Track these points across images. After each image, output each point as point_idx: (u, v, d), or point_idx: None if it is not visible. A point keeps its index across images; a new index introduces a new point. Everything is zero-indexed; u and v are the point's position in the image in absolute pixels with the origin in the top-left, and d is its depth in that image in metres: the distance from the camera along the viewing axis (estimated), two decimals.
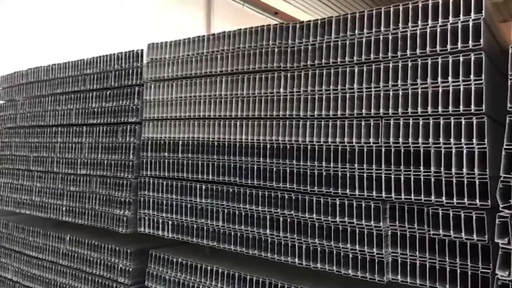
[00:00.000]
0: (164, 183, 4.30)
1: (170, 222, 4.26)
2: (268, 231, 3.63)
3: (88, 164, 4.96)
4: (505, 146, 2.57)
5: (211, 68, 4.06)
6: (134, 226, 4.52)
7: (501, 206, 2.58)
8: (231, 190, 3.85)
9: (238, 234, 3.82)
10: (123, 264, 4.57)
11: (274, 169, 3.59)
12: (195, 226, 4.09)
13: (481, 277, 2.80)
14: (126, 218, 4.52)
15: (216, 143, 3.95)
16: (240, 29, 3.89)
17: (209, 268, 4.01)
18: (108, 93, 4.87)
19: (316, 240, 3.38)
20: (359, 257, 3.20)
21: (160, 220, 4.32)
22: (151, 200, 4.39)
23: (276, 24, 3.68)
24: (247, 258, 3.87)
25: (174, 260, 4.26)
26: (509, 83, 2.58)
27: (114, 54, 4.86)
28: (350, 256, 3.24)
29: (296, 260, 3.48)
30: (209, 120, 4.02)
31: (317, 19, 3.47)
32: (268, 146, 3.64)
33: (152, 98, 4.47)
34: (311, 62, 3.46)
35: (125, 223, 4.53)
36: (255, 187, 3.71)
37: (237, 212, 3.81)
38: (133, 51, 4.69)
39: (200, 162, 4.05)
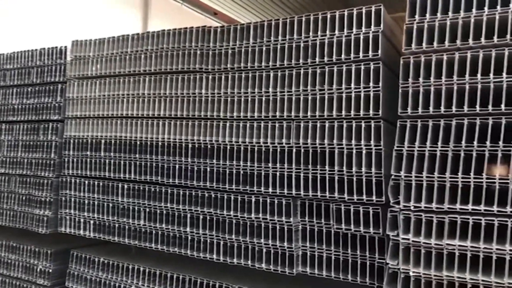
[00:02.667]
0: (86, 182, 4.25)
1: (92, 222, 4.21)
2: (188, 229, 3.72)
3: (7, 162, 4.77)
4: (395, 147, 2.85)
5: (135, 67, 4.07)
6: (55, 226, 4.42)
7: (391, 201, 2.85)
8: (153, 189, 3.90)
9: (159, 232, 3.87)
10: (43, 265, 4.46)
11: (195, 168, 3.69)
12: (117, 225, 4.08)
13: (377, 267, 3.07)
14: (46, 218, 4.41)
15: (138, 142, 3.98)
16: (164, 30, 3.95)
17: (130, 266, 4.03)
18: (29, 89, 4.73)
19: (233, 236, 3.52)
20: (272, 251, 3.38)
21: (82, 220, 4.27)
22: (72, 199, 4.32)
23: (199, 27, 3.78)
24: (171, 256, 3.94)
25: (96, 259, 4.23)
26: (400, 91, 2.87)
27: (36, 49, 4.72)
28: (264, 250, 3.41)
29: (214, 256, 3.60)
30: (132, 119, 4.04)
31: (237, 24, 3.61)
32: (190, 145, 3.73)
33: (75, 96, 4.40)
34: (231, 65, 3.59)
35: (46, 223, 4.42)
36: (176, 186, 3.78)
37: (158, 211, 3.86)
38: (56, 47, 4.59)
39: (122, 161, 4.05)
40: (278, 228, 3.35)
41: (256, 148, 3.44)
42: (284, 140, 3.35)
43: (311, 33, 3.27)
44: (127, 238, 4.04)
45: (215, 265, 3.67)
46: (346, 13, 3.14)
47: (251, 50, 3.50)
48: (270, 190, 3.36)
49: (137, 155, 3.98)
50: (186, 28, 3.83)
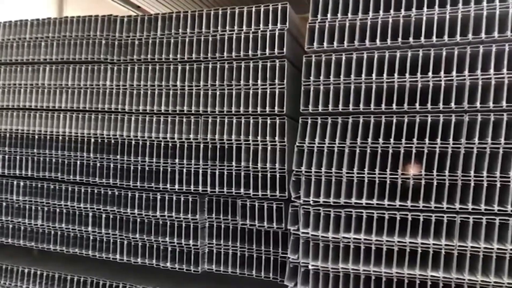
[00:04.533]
0: None
1: None
2: (90, 228, 3.51)
3: None
4: (297, 144, 2.90)
5: (34, 55, 3.76)
6: None
7: (293, 196, 2.90)
8: (52, 186, 3.63)
9: (59, 233, 3.62)
10: None
11: (98, 165, 3.49)
12: (11, 226, 3.75)
13: (281, 262, 3.11)
14: None
15: (36, 136, 3.68)
16: (67, 16, 3.69)
17: (26, 270, 3.71)
18: None
19: (137, 235, 3.38)
20: (177, 249, 3.29)
21: None
22: None
23: (104, 16, 3.58)
24: (76, 258, 3.68)
25: None
26: (302, 89, 2.92)
27: None
28: (169, 249, 3.31)
29: (118, 256, 3.44)
30: (29, 111, 3.72)
31: (144, 15, 3.47)
32: (92, 140, 3.52)
33: None
34: (138, 56, 3.44)
35: None
36: (78, 183, 3.55)
37: (58, 210, 3.61)
38: None
39: (18, 157, 3.73)
40: (184, 226, 3.27)
41: (162, 143, 3.33)
42: (191, 136, 3.27)
43: (219, 28, 3.23)
44: (22, 239, 3.73)
45: (120, 265, 3.50)
46: (253, 9, 3.14)
47: (158, 42, 3.38)
48: (177, 187, 3.27)
49: (34, 150, 3.68)
50: (91, 16, 3.61)
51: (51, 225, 3.63)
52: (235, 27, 3.19)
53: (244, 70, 3.16)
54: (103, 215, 3.48)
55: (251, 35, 3.14)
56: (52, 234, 3.63)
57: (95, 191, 3.50)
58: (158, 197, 3.32)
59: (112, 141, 3.46)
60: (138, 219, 3.38)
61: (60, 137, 3.61)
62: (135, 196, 3.37)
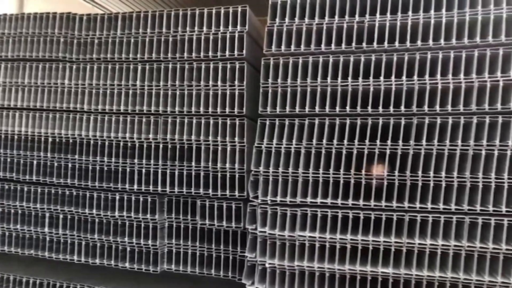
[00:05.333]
0: None
1: None
2: (46, 229, 3.45)
3: None
4: (255, 144, 2.95)
5: None
6: None
7: (251, 196, 2.95)
8: (6, 187, 3.54)
9: (14, 234, 3.54)
10: None
11: (55, 164, 3.43)
12: None
13: (239, 261, 3.16)
14: None
15: None
16: (24, 13, 3.61)
17: None
18: None
19: (96, 235, 3.35)
20: (136, 249, 3.29)
21: None
22: None
23: (63, 13, 3.52)
24: (34, 260, 3.59)
25: None
26: (260, 91, 2.98)
27: None
28: (128, 249, 3.30)
29: (75, 257, 3.40)
30: None
31: (104, 13, 3.44)
32: (50, 139, 3.46)
33: None
34: (97, 55, 3.41)
35: None
36: (34, 183, 3.48)
37: (12, 211, 3.52)
38: None
39: None
40: (143, 226, 3.27)
41: (121, 143, 3.31)
42: (151, 136, 3.27)
43: (179, 28, 3.24)
44: None
45: (78, 266, 3.45)
46: (214, 11, 3.18)
47: (118, 41, 3.36)
48: (136, 187, 3.26)
49: None
50: (49, 13, 3.55)
51: (5, 227, 3.54)
52: (196, 28, 3.22)
53: (204, 71, 3.19)
54: (60, 216, 3.42)
55: (211, 37, 3.17)
56: (7, 236, 3.55)
57: (52, 191, 3.44)
58: (117, 197, 3.30)
59: (70, 140, 3.42)
60: (97, 220, 3.35)
61: (16, 136, 3.53)
62: (94, 196, 3.34)
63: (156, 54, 3.28)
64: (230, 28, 3.15)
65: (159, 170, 3.23)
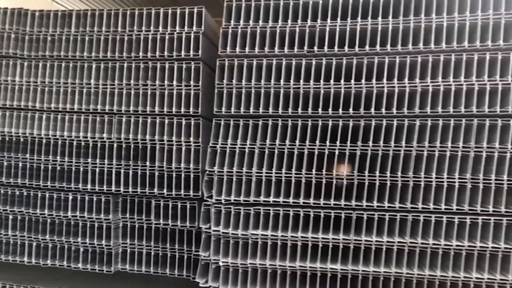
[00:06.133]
0: None
1: None
2: None
3: None
4: (210, 144, 2.99)
5: None
6: None
7: (205, 196, 2.98)
8: None
9: None
10: None
11: (5, 164, 3.34)
12: None
13: (194, 260, 3.19)
14: None
15: None
16: None
17: None
18: None
19: (47, 236, 3.29)
20: (90, 250, 3.25)
21: None
22: None
23: (14, 8, 3.43)
24: None
25: None
26: (215, 91, 3.01)
27: None
28: (81, 250, 3.26)
29: (26, 258, 3.33)
30: None
31: (58, 10, 3.38)
32: (0, 138, 3.36)
33: None
34: (50, 52, 3.34)
35: None
36: None
37: None
38: None
39: None
40: (97, 226, 3.24)
41: (75, 142, 3.26)
42: (105, 135, 3.24)
43: (135, 27, 3.23)
44: None
45: (29, 268, 3.37)
46: (170, 11, 3.18)
47: (72, 39, 3.31)
48: (89, 187, 3.22)
49: None
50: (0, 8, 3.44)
51: None
52: (152, 28, 3.21)
53: (160, 71, 3.19)
54: (10, 216, 3.34)
55: (167, 36, 3.18)
56: None
57: (2, 192, 3.36)
58: (70, 197, 3.25)
59: (21, 139, 3.33)
60: (49, 220, 3.29)
61: None
62: (46, 196, 3.28)
63: (111, 52, 3.25)
64: (186, 28, 3.16)
65: (113, 170, 3.21)
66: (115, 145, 3.22)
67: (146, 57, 3.20)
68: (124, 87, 3.23)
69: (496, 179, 2.63)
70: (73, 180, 3.24)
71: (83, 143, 3.26)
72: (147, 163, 3.17)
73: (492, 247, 2.62)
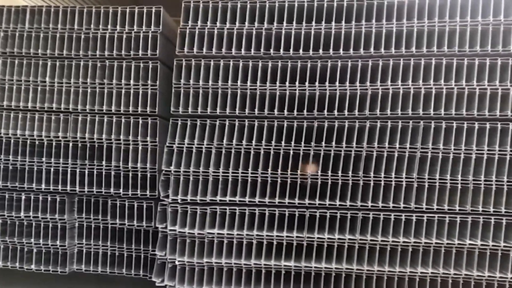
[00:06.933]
0: None
1: None
2: None
3: None
4: (167, 144, 3.00)
5: None
6: None
7: (162, 195, 2.99)
8: None
9: None
10: None
11: None
12: None
13: (150, 259, 3.18)
14: None
15: None
16: None
17: None
18: None
19: None
20: (43, 251, 3.19)
21: None
22: None
23: None
24: None
25: None
26: (173, 91, 3.03)
27: None
28: (35, 250, 3.20)
29: None
30: None
31: (11, 6, 3.29)
32: None
33: None
34: (3, 49, 3.26)
35: None
36: None
37: None
38: None
39: None
40: (51, 226, 3.18)
41: (28, 141, 3.20)
42: (60, 134, 3.19)
43: (92, 26, 3.19)
44: None
45: None
46: (128, 10, 3.17)
47: (26, 35, 3.24)
48: (43, 186, 3.17)
49: None
50: None
51: None
52: (109, 26, 3.19)
53: (117, 70, 3.17)
54: None
55: (124, 35, 3.16)
56: None
57: None
58: (23, 197, 3.18)
59: None
60: (0, 221, 3.21)
61: None
62: None
63: (67, 50, 3.20)
64: (144, 28, 3.16)
65: (69, 169, 3.16)
66: (70, 144, 3.18)
67: (103, 55, 3.17)
68: (80, 85, 3.19)
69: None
70: (26, 179, 3.18)
71: (37, 142, 3.20)
72: (103, 163, 3.14)
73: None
